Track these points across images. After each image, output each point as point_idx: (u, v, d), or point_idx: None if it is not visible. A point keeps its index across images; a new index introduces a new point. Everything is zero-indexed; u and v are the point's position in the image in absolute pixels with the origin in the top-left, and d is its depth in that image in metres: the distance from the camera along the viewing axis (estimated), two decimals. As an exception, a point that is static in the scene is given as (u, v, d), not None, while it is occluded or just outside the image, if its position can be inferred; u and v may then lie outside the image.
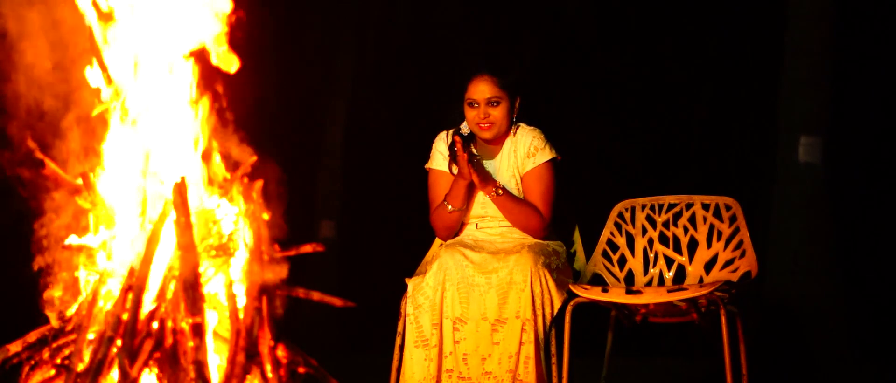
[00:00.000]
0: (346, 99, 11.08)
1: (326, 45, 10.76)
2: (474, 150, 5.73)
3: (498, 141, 5.74)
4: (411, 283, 5.58)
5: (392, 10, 10.94)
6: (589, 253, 5.92)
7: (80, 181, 4.90)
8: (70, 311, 4.90)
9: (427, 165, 5.83)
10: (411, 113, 10.02)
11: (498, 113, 5.66)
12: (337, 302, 4.88)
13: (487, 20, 9.92)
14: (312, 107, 10.73)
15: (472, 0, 10.12)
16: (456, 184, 5.63)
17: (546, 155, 5.67)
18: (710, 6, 8.92)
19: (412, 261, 5.92)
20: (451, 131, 5.79)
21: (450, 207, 5.68)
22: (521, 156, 5.70)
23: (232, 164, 5.01)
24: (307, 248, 4.93)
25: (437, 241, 5.95)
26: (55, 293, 4.89)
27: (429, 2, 10.63)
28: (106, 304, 4.78)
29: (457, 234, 5.78)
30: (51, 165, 4.82)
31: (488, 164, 5.75)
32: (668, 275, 5.79)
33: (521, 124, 5.74)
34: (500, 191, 5.62)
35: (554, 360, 5.40)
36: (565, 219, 5.94)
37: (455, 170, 5.65)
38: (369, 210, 10.54)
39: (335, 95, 11.14)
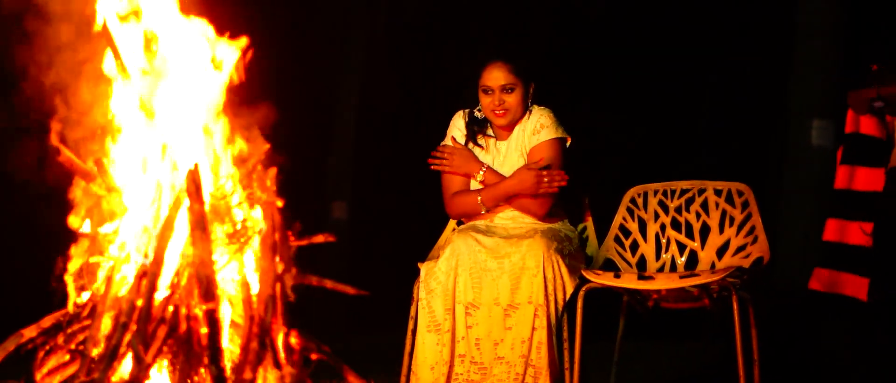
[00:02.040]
0: (359, 80, 11.08)
1: (339, 25, 10.76)
2: (490, 132, 5.76)
3: (512, 126, 5.76)
4: (424, 268, 5.59)
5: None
6: (601, 238, 5.93)
7: (94, 167, 4.92)
8: (84, 297, 4.92)
9: (443, 144, 5.85)
10: (424, 93, 10.02)
11: (513, 99, 5.68)
12: (350, 290, 4.89)
13: (500, 3, 9.91)
14: (324, 89, 10.74)
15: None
16: (496, 187, 5.67)
17: (551, 133, 5.69)
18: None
19: (424, 243, 5.94)
20: (467, 111, 5.82)
21: (484, 210, 5.71)
22: (528, 133, 5.72)
23: (246, 151, 5.02)
24: (319, 238, 4.95)
25: (450, 226, 5.97)
26: (70, 278, 4.90)
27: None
28: (120, 290, 4.79)
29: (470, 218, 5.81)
30: (65, 152, 4.84)
31: (500, 146, 5.77)
32: (681, 261, 5.80)
33: (535, 106, 5.76)
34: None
35: (566, 345, 5.42)
36: (578, 203, 5.96)
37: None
38: (381, 191, 10.55)
39: (347, 76, 11.14)
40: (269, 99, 5.30)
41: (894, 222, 5.56)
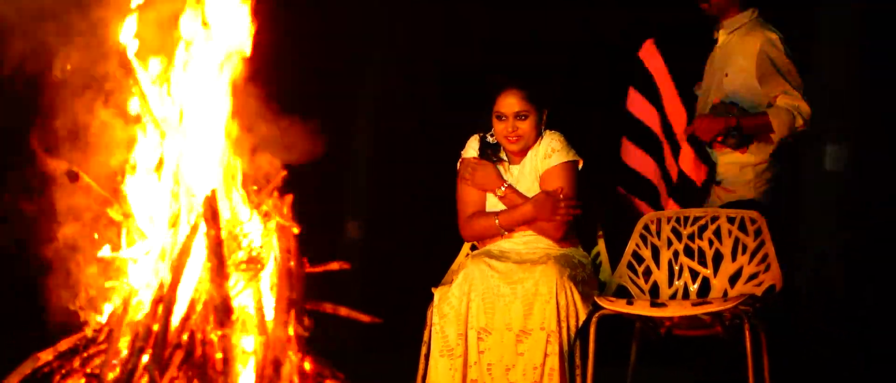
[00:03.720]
0: (375, 99, 11.11)
1: (357, 46, 10.79)
2: (503, 156, 5.80)
3: (524, 151, 5.80)
4: (437, 293, 5.62)
5: (421, 14, 10.96)
6: (614, 263, 5.95)
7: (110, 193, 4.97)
8: (101, 321, 4.96)
9: (460, 160, 5.89)
10: (440, 115, 10.04)
11: (526, 126, 5.72)
12: (364, 318, 4.93)
13: (515, 28, 9.93)
14: (341, 109, 10.76)
15: (500, 8, 10.13)
16: (514, 210, 5.72)
17: (563, 156, 5.73)
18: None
19: (438, 262, 5.97)
20: (481, 135, 5.86)
21: (502, 233, 5.75)
22: (541, 157, 5.76)
23: (263, 177, 5.06)
24: (334, 265, 4.99)
25: (464, 250, 6.01)
26: (86, 302, 4.95)
27: (457, 13, 10.65)
28: (137, 315, 4.84)
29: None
30: (85, 177, 4.88)
31: (513, 169, 5.81)
32: (693, 288, 5.81)
33: (546, 131, 5.80)
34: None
35: (578, 372, 5.44)
36: (591, 228, 5.99)
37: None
38: (397, 212, 10.56)
39: (364, 95, 11.17)
40: (287, 116, 5.33)
41: None
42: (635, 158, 6.40)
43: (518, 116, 5.72)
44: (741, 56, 6.09)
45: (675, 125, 6.30)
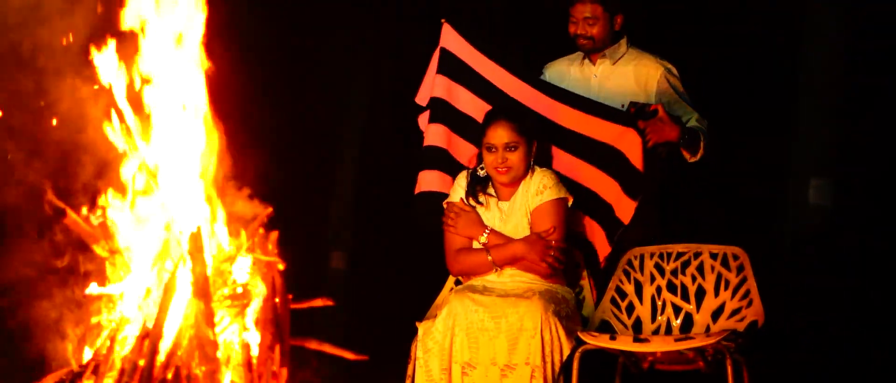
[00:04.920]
0: (361, 129, 11.13)
1: (341, 74, 10.81)
2: (492, 191, 5.84)
3: (514, 184, 5.83)
4: (421, 327, 5.64)
5: (409, 38, 10.98)
6: (598, 298, 5.98)
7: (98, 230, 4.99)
8: (87, 356, 4.98)
9: (446, 202, 5.92)
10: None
11: (515, 157, 5.76)
12: (349, 355, 4.95)
13: (506, 51, 9.99)
14: (326, 140, 10.78)
15: (491, 30, 10.17)
16: (506, 247, 5.75)
17: (554, 193, 5.77)
18: (723, 50, 8.96)
19: (423, 294, 5.99)
20: (469, 171, 5.89)
21: (498, 269, 5.78)
22: (532, 194, 5.79)
23: (249, 214, 5.09)
24: (318, 302, 5.01)
25: (448, 284, 6.03)
26: (73, 338, 4.97)
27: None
28: (123, 350, 4.85)
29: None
30: (72, 215, 4.91)
31: (502, 205, 5.84)
32: (676, 323, 5.85)
33: (537, 167, 5.84)
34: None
35: (562, 406, 5.46)
36: (575, 264, 6.02)
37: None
38: (382, 242, 10.57)
39: (349, 126, 11.19)
40: (271, 148, 5.36)
41: None
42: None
43: (507, 147, 5.76)
44: (634, 83, 6.20)
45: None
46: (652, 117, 5.83)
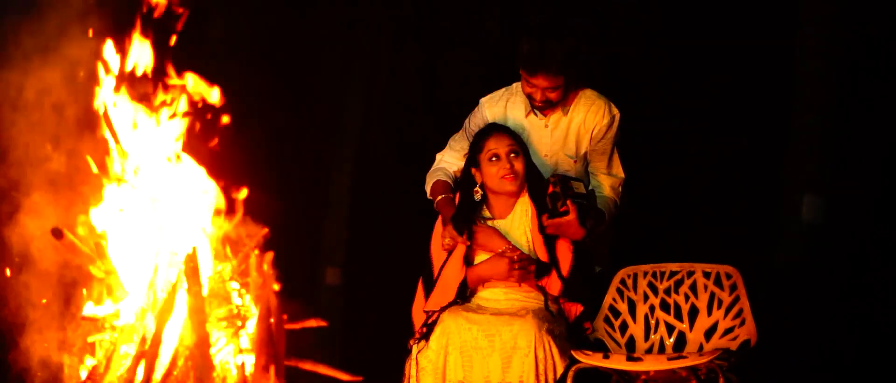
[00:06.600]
0: (355, 145, 11.15)
1: (336, 90, 10.83)
2: (487, 214, 5.83)
3: (510, 203, 5.82)
4: (415, 347, 5.65)
5: (403, 57, 11.00)
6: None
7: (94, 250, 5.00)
8: (83, 377, 4.98)
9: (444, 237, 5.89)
10: (421, 160, 10.10)
11: (520, 163, 5.76)
12: (344, 376, 4.97)
13: (499, 72, 10.01)
14: (321, 155, 10.80)
15: (483, 52, 10.20)
16: (477, 268, 5.77)
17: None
18: (716, 62, 8.99)
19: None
20: (456, 203, 5.88)
21: (468, 292, 5.80)
22: (531, 215, 5.80)
23: (244, 235, 5.10)
24: (311, 323, 5.03)
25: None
26: (69, 359, 4.97)
27: (439, 52, 10.71)
28: (118, 370, 4.86)
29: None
30: (68, 235, 4.92)
31: (500, 224, 5.84)
32: (669, 342, 5.86)
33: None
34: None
35: (556, 424, 5.48)
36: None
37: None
38: (376, 258, 10.59)
39: (344, 142, 11.21)
40: (266, 165, 5.37)
41: None
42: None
43: (512, 153, 5.76)
44: (582, 127, 5.98)
45: None
46: (561, 217, 5.73)
